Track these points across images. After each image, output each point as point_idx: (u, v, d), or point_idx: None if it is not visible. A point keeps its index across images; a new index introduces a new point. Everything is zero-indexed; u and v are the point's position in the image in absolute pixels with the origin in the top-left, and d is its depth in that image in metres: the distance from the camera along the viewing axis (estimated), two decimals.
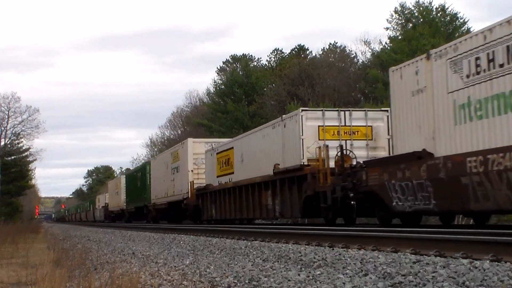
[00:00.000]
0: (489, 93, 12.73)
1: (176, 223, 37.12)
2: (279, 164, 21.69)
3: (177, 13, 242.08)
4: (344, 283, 6.02)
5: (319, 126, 20.53)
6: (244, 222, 28.47)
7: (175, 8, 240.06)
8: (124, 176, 60.00)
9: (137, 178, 49.15)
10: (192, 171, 32.87)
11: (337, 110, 21.22)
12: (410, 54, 41.56)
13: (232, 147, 28.13)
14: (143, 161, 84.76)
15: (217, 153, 30.24)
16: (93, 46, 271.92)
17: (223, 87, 67.41)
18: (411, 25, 48.95)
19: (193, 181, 32.24)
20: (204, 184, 31.04)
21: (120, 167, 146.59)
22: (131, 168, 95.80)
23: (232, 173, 27.65)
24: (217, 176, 29.72)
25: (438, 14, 48.51)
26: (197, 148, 33.25)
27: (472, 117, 13.18)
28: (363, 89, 52.07)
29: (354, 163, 18.57)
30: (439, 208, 14.36)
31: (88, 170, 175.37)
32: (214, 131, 59.90)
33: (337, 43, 60.79)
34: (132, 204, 50.99)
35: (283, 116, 22.69)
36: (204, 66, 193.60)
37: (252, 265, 8.24)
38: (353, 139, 20.50)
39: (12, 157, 70.10)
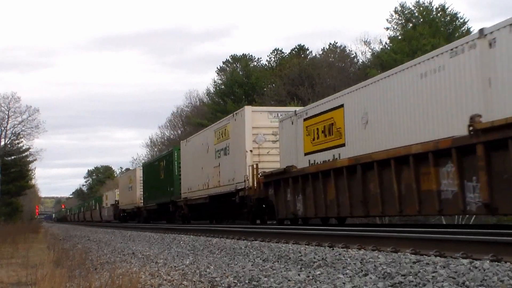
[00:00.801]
0: None
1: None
2: (480, 116, 12.21)
3: (177, 13, 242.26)
4: (344, 283, 6.02)
5: None
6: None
7: (175, 8, 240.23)
8: (141, 167, 50.24)
9: (160, 168, 39.66)
10: (251, 151, 23.85)
11: None
12: (410, 54, 41.60)
13: (341, 105, 18.23)
14: (143, 161, 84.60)
15: (305, 120, 20.55)
16: (93, 46, 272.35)
17: (223, 87, 67.47)
18: (411, 25, 49.01)
19: (256, 165, 22.92)
20: (279, 168, 21.57)
21: (120, 167, 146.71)
22: (131, 168, 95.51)
23: (342, 145, 18.09)
24: (306, 154, 20.26)
25: (438, 14, 48.55)
26: (258, 120, 24.36)
27: None
28: None
29: None
30: None
31: (88, 170, 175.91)
32: None
33: (337, 43, 60.93)
34: (152, 200, 42.05)
35: (484, 28, 12.66)
36: (204, 66, 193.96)
37: (252, 265, 8.24)
38: None
39: (12, 157, 70.24)
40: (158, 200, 39.85)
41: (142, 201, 46.07)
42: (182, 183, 34.15)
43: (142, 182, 46.35)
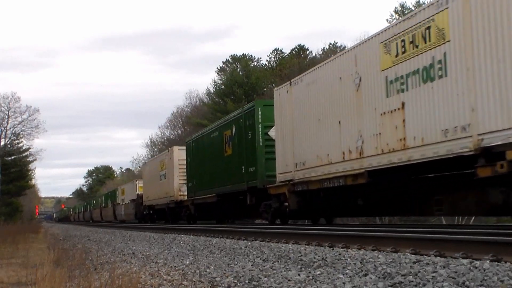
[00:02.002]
0: None
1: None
2: None
3: (178, 13, 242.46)
4: (344, 283, 6.01)
5: None
6: None
7: (176, 8, 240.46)
8: (181, 147, 35.57)
9: (223, 141, 26.15)
10: None
11: None
12: None
13: None
14: (143, 161, 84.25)
15: None
16: (94, 46, 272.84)
17: (223, 87, 67.46)
18: None
19: None
20: None
21: (120, 167, 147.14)
22: (131, 168, 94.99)
23: None
24: None
25: None
26: None
27: None
28: None
29: None
30: None
31: (88, 170, 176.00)
32: None
33: (337, 43, 60.97)
34: (205, 190, 28.52)
35: None
36: (205, 67, 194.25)
37: (252, 265, 8.24)
38: None
39: (12, 157, 70.28)
40: (220, 188, 26.54)
41: (183, 193, 33.60)
42: (279, 157, 20.33)
43: (185, 166, 33.02)
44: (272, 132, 21.59)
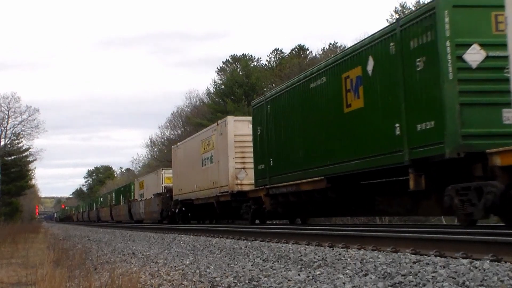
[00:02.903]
0: None
1: None
2: None
3: (179, 14, 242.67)
4: (344, 283, 6.01)
5: None
6: None
7: (177, 9, 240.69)
8: (243, 116, 28.47)
9: (344, 87, 15.25)
10: None
11: None
12: None
13: None
14: (143, 161, 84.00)
15: None
16: (95, 47, 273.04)
17: (223, 87, 67.46)
18: None
19: None
20: None
21: (120, 167, 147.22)
22: (131, 168, 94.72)
23: None
24: None
25: None
26: None
27: None
28: None
29: None
30: None
31: (88, 170, 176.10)
32: None
33: (337, 43, 60.94)
34: (299, 173, 18.01)
35: None
36: (206, 67, 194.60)
37: (252, 265, 8.24)
38: None
39: (12, 157, 70.30)
40: (335, 167, 16.00)
41: (240, 182, 24.27)
42: None
43: (246, 143, 23.59)
44: (472, 54, 11.92)
